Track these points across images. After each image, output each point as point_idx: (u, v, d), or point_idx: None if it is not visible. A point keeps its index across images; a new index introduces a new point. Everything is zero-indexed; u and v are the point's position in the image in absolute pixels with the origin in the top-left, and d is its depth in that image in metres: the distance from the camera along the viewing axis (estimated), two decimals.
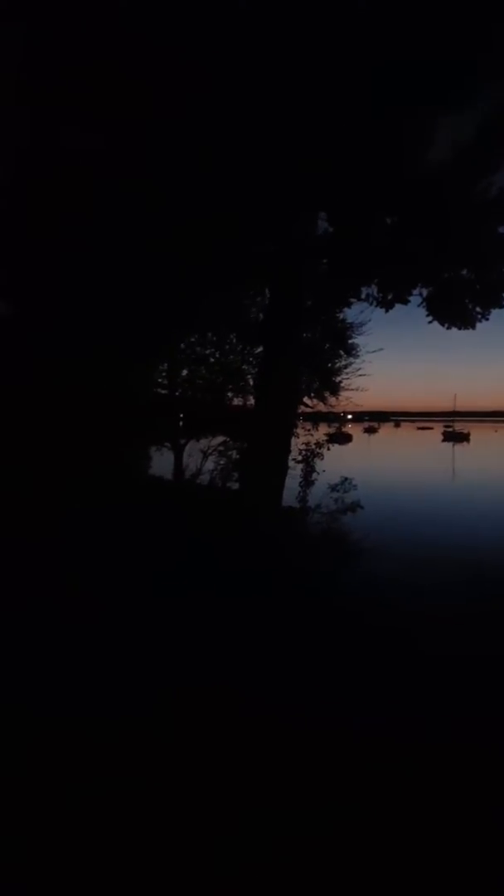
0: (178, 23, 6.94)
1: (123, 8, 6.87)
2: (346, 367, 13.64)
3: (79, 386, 9.27)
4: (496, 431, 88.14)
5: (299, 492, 12.58)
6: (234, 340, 13.66)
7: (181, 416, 14.56)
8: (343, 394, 13.89)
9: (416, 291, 10.02)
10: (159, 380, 14.41)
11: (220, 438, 14.09)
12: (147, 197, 8.25)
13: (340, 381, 13.76)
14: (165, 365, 14.22)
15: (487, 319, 10.03)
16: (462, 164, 8.90)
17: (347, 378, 13.76)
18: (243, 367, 13.78)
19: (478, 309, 9.93)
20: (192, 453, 14.27)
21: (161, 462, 14.69)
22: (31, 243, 8.55)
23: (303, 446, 13.11)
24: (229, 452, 13.73)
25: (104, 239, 8.44)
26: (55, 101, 7.29)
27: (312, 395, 13.60)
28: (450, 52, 7.58)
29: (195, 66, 7.22)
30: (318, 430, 14.30)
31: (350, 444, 42.29)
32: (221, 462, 13.79)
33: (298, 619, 5.87)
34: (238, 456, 13.21)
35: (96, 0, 6.85)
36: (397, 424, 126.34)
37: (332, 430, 16.72)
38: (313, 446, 13.30)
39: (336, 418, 17.62)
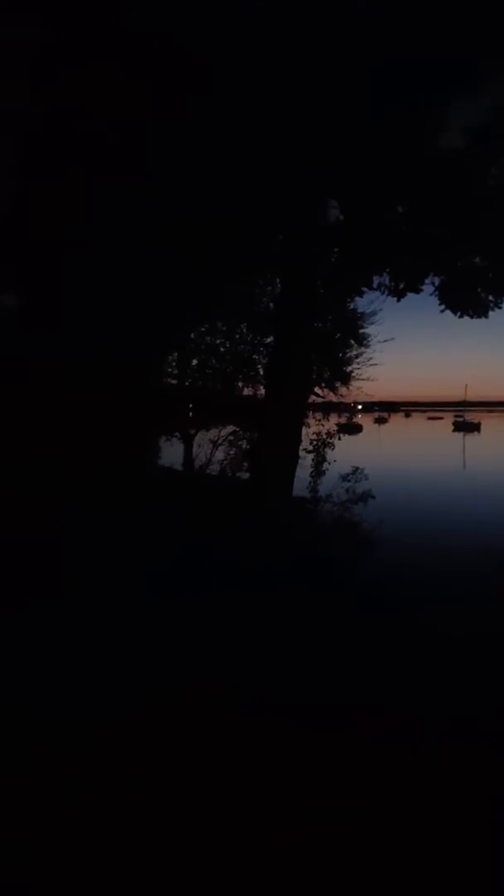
0: (179, 18, 6.87)
1: (124, 6, 6.80)
2: (357, 356, 13.63)
3: (87, 377, 9.31)
4: None
5: (310, 482, 12.60)
6: (245, 330, 13.64)
7: (191, 405, 14.60)
8: (354, 383, 13.88)
9: (428, 280, 9.93)
10: (169, 370, 14.44)
11: (231, 428, 14.11)
12: (156, 188, 8.23)
13: (351, 371, 13.74)
14: (175, 355, 14.24)
15: (501, 308, 9.92)
16: (474, 149, 8.77)
17: (358, 368, 13.76)
18: (254, 356, 13.77)
19: (491, 297, 9.82)
20: (202, 443, 14.32)
21: (170, 452, 14.75)
22: (38, 234, 8.56)
23: (314, 436, 13.11)
24: (239, 442, 13.76)
25: (114, 230, 8.44)
26: (58, 98, 7.25)
27: (323, 384, 13.59)
28: (460, 36, 7.46)
29: (199, 59, 7.17)
30: (328, 419, 14.29)
31: (360, 435, 42.19)
32: (231, 452, 13.82)
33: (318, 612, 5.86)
34: (248, 446, 13.24)
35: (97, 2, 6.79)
36: (408, 414, 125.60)
37: (342, 420, 16.70)
38: (324, 436, 13.29)
39: (346, 408, 17.59)
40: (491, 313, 10.15)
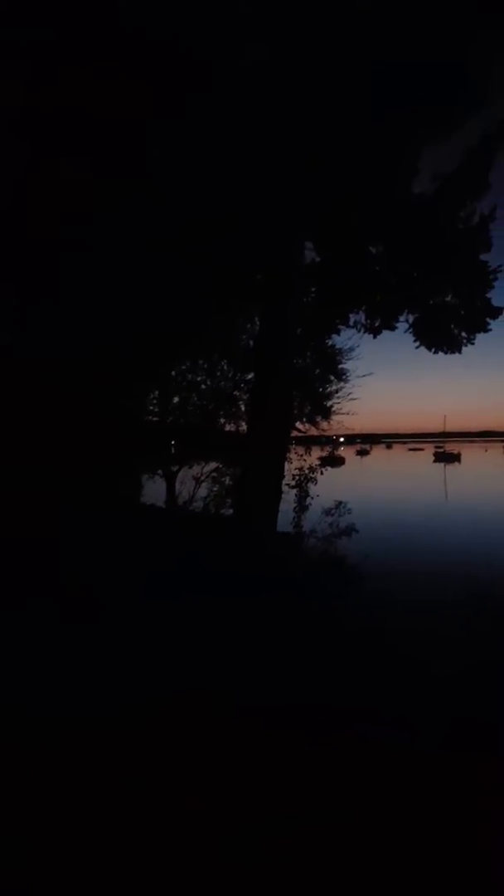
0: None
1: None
2: (336, 391, 13.85)
3: (67, 412, 9.27)
4: (486, 451, 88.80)
5: (294, 517, 12.57)
6: (226, 367, 13.79)
7: (173, 443, 14.58)
8: (335, 417, 14.06)
9: (402, 317, 10.24)
10: (150, 407, 14.46)
11: (213, 465, 14.09)
12: (134, 227, 8.40)
13: (332, 406, 13.93)
14: (156, 392, 14.28)
15: (473, 343, 10.23)
16: (445, 192, 9.21)
17: (338, 402, 13.96)
18: (235, 393, 13.88)
19: (463, 333, 10.14)
20: (185, 481, 14.25)
21: (153, 490, 14.63)
22: (19, 270, 8.61)
23: (296, 471, 13.15)
24: (223, 479, 13.73)
25: (91, 266, 8.54)
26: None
27: (304, 419, 13.73)
28: (432, 86, 7.91)
29: (177, 106, 7.45)
30: (310, 454, 14.37)
31: (343, 467, 42.39)
32: (215, 489, 13.77)
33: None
34: (231, 482, 13.21)
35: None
36: (389, 446, 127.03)
37: (324, 454, 16.80)
38: (307, 471, 13.34)
39: (328, 441, 17.73)
40: (465, 348, 10.47)
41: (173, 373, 13.83)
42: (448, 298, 9.94)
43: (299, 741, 3.64)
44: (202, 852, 2.60)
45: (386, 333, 10.65)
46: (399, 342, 12.04)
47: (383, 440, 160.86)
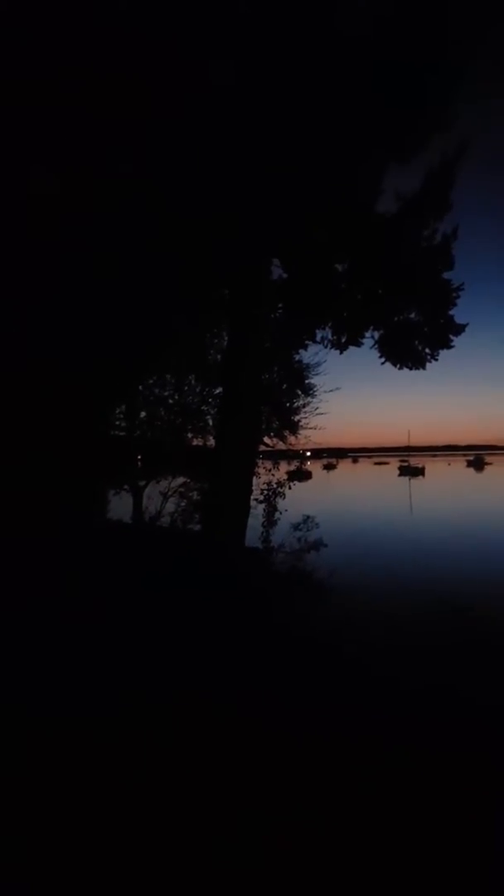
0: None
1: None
2: (304, 406, 13.96)
3: (32, 425, 9.06)
4: (449, 465, 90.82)
5: (262, 531, 12.51)
6: (194, 381, 13.74)
7: (139, 457, 14.38)
8: (302, 432, 14.14)
9: (368, 334, 10.40)
10: (117, 422, 14.25)
11: (181, 480, 13.95)
12: (102, 241, 8.32)
13: (299, 420, 14.03)
14: (123, 407, 14.10)
15: (437, 360, 10.47)
16: (409, 212, 9.46)
17: (306, 417, 14.06)
18: (203, 407, 13.83)
19: (427, 350, 10.36)
20: (152, 495, 14.05)
21: (119, 505, 14.37)
22: None
23: (264, 486, 13.12)
24: (190, 493, 13.60)
25: (57, 280, 8.41)
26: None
27: (272, 434, 13.76)
28: (394, 108, 8.15)
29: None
30: (278, 468, 14.38)
31: (310, 481, 42.63)
32: (182, 504, 13.61)
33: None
34: (199, 497, 13.09)
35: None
36: (355, 460, 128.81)
37: (292, 468, 16.86)
38: (275, 485, 13.33)
39: (296, 456, 17.81)
40: (430, 364, 10.70)
41: (140, 387, 13.70)
42: (412, 315, 10.17)
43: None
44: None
45: (352, 349, 10.82)
46: (365, 357, 12.26)
47: (350, 454, 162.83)
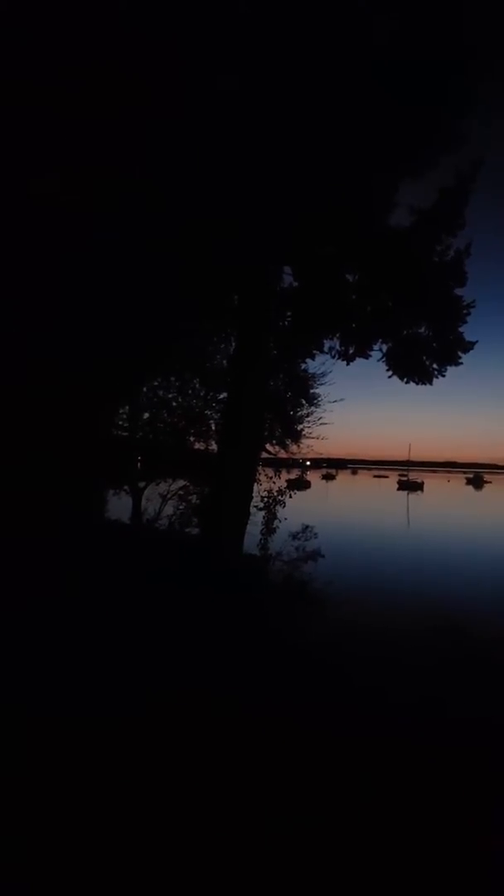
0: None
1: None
2: (307, 415, 13.91)
3: (33, 424, 9.02)
4: (449, 481, 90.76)
5: (260, 539, 12.42)
6: (198, 385, 13.71)
7: (139, 458, 14.34)
8: (304, 441, 14.09)
9: (376, 346, 10.37)
10: (119, 422, 14.22)
11: (181, 483, 13.89)
12: (109, 244, 8.30)
13: (302, 429, 13.98)
14: (126, 407, 14.06)
15: (444, 376, 10.42)
16: (422, 227, 9.45)
17: (309, 426, 14.02)
18: (206, 412, 13.80)
19: (435, 366, 10.32)
20: (151, 497, 13.99)
21: (118, 505, 14.30)
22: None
23: (265, 493, 13.05)
24: (189, 497, 13.53)
25: (62, 281, 8.39)
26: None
27: (274, 441, 13.70)
28: (409, 119, 8.15)
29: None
30: (279, 476, 14.32)
31: (308, 491, 42.55)
32: (181, 507, 13.55)
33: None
34: (198, 501, 13.03)
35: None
36: (354, 472, 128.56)
37: (292, 476, 16.81)
38: (275, 493, 13.25)
39: (296, 464, 17.76)
40: (435, 380, 10.66)
41: (144, 389, 13.68)
42: (422, 330, 10.12)
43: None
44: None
45: (358, 361, 10.78)
46: (368, 369, 12.19)
47: (349, 465, 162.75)
